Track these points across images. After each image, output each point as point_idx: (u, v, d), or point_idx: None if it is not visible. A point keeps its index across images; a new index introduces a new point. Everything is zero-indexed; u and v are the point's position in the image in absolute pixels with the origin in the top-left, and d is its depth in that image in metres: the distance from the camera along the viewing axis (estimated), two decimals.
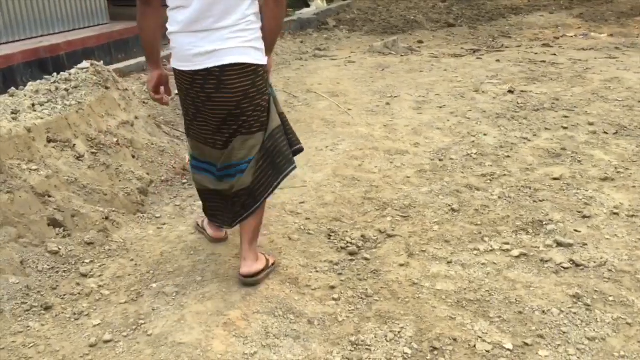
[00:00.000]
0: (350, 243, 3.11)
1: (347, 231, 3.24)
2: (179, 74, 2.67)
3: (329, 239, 3.18)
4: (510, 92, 5.62)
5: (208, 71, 2.55)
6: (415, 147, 4.35)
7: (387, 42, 7.82)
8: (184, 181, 3.91)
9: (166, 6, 2.62)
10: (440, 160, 4.12)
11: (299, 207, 3.52)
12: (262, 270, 2.82)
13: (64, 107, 3.56)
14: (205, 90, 2.60)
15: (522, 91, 5.66)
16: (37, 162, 3.20)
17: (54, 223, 3.05)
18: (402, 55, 7.49)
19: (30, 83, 3.81)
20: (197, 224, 3.28)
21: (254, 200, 2.82)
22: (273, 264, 2.98)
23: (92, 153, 3.56)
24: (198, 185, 3.02)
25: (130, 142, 3.86)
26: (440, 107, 5.25)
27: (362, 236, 3.17)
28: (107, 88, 3.98)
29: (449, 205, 3.45)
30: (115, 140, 3.74)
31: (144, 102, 4.84)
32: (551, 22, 9.78)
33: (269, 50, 2.71)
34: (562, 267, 2.79)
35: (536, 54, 7.39)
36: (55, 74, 3.94)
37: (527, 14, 10.61)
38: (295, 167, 2.93)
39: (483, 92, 5.68)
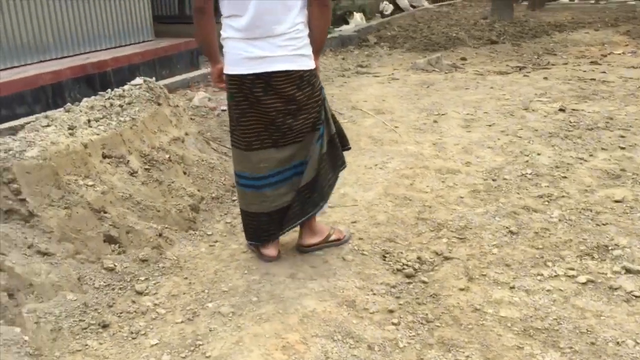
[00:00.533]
0: (406, 265, 3.03)
1: (402, 252, 3.16)
2: (228, 78, 2.83)
3: (384, 260, 3.11)
4: (562, 110, 5.49)
5: (257, 75, 2.73)
6: (467, 167, 4.26)
7: (431, 59, 7.75)
8: (234, 198, 3.89)
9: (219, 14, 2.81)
10: (493, 180, 4.02)
11: (352, 226, 3.46)
12: (318, 243, 3.16)
13: (118, 123, 3.57)
14: (254, 92, 2.77)
15: (574, 110, 5.52)
16: (93, 177, 3.21)
17: (109, 239, 3.04)
18: (446, 73, 7.41)
19: (85, 99, 3.83)
20: (248, 243, 3.25)
21: (321, 197, 3.01)
22: (337, 239, 3.23)
23: (145, 169, 3.57)
24: (245, 204, 3.03)
25: (181, 158, 3.85)
26: (490, 126, 5.15)
27: (418, 258, 3.09)
28: (159, 104, 3.99)
29: (507, 228, 3.35)
30: (167, 156, 3.74)
31: (191, 118, 4.85)
32: (597, 40, 9.59)
33: (316, 54, 2.89)
34: (633, 295, 2.67)
35: (584, 71, 7.24)
36: (109, 90, 3.96)
37: (572, 31, 10.44)
38: (345, 165, 3.21)
39: (533, 110, 5.56)
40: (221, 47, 2.89)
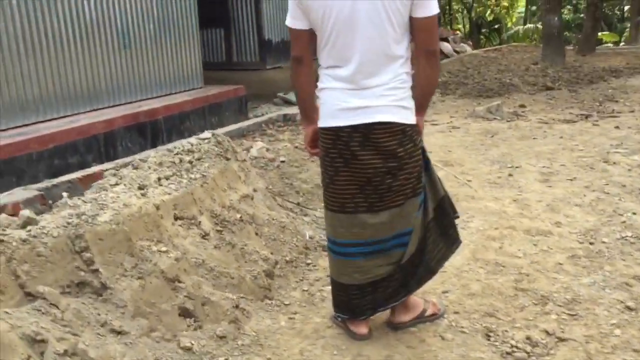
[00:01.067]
0: (516, 347, 2.68)
1: (506, 330, 2.81)
2: (323, 132, 2.60)
3: (488, 339, 2.76)
4: None
5: (354, 128, 2.48)
6: (558, 227, 3.90)
7: (490, 106, 7.46)
8: (309, 261, 3.60)
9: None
10: (591, 243, 3.66)
11: (443, 297, 3.12)
12: (412, 320, 2.86)
13: (189, 181, 3.34)
14: (350, 147, 2.51)
15: None
16: (166, 242, 2.96)
17: (184, 313, 2.76)
18: (507, 121, 7.11)
19: (152, 154, 3.63)
20: (334, 316, 2.94)
21: (428, 272, 2.76)
22: (433, 314, 2.91)
23: (217, 231, 3.31)
24: (335, 273, 2.74)
25: (252, 217, 3.59)
26: (571, 180, 4.80)
27: (528, 338, 2.74)
28: (227, 159, 3.76)
29: (622, 302, 2.98)
30: (238, 216, 3.48)
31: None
32: None
33: (420, 110, 2.60)
34: None
35: None
36: (178, 144, 3.74)
37: (629, 76, 10.09)
38: (460, 241, 2.87)
39: (614, 162, 5.20)
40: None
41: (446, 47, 14.94)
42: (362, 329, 2.78)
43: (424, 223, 2.67)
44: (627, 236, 3.71)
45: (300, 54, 2.63)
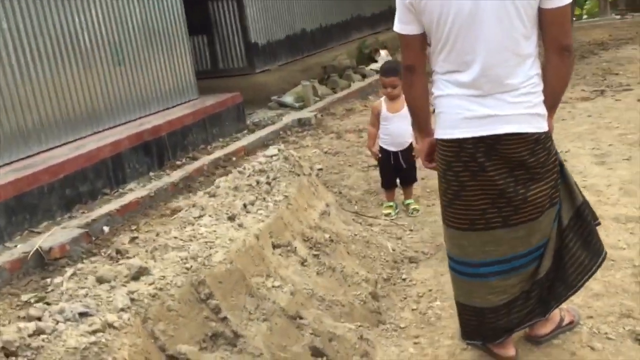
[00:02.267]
0: None
1: None
2: (442, 144, 2.34)
3: (639, 343, 2.57)
4: None
5: (479, 139, 2.22)
6: None
7: None
8: (404, 277, 3.36)
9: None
10: None
11: (569, 301, 2.91)
12: (551, 332, 2.65)
13: (275, 204, 3.06)
14: (477, 159, 2.24)
15: None
16: (274, 275, 2.68)
17: (316, 352, 2.49)
18: None
19: (221, 179, 3.33)
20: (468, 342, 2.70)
21: (567, 287, 2.47)
22: (570, 322, 2.70)
23: (314, 255, 3.04)
24: (464, 296, 2.49)
25: (337, 235, 3.33)
26: (628, 160, 4.68)
27: None
28: (297, 175, 3.48)
29: None
30: (327, 236, 3.22)
31: None
32: None
33: (550, 112, 2.32)
34: None
35: None
36: (246, 167, 3.43)
37: (617, 48, 10.12)
38: (606, 253, 2.56)
39: None
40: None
41: None
42: (510, 351, 2.55)
43: (560, 233, 2.44)
44: None
45: (412, 62, 2.38)
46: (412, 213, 4.26)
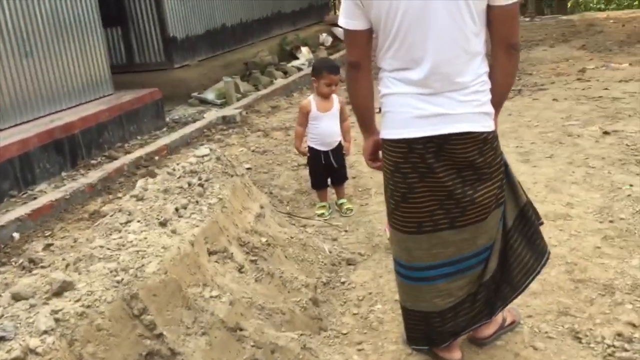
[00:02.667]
0: (613, 346, 2.54)
1: (591, 329, 2.68)
2: (389, 144, 2.26)
3: (580, 341, 2.60)
4: (606, 133, 5.25)
5: (429, 139, 2.15)
6: (572, 208, 3.85)
7: None
8: (342, 280, 3.26)
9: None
10: (611, 222, 3.63)
11: None
12: (494, 333, 2.62)
13: (209, 207, 2.87)
14: (426, 160, 2.18)
15: (614, 131, 5.30)
16: (210, 284, 2.50)
17: None
18: None
19: (149, 180, 3.10)
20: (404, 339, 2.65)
21: (512, 289, 2.45)
22: (512, 322, 2.69)
23: (251, 261, 2.88)
24: (410, 301, 2.43)
25: (274, 239, 3.18)
26: (550, 157, 4.81)
27: (618, 334, 2.61)
28: (230, 175, 3.30)
29: None
30: (264, 240, 3.07)
31: None
32: (559, 56, 9.63)
33: (497, 111, 2.29)
34: None
35: (583, 89, 7.13)
36: (175, 167, 3.21)
37: (528, 49, 10.49)
38: (549, 253, 2.53)
39: (577, 135, 5.28)
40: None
41: (340, 32, 14.85)
42: (456, 354, 2.50)
43: (504, 234, 2.41)
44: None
45: (357, 59, 2.28)
46: (345, 213, 4.18)
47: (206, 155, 3.28)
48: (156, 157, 5.47)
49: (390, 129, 2.26)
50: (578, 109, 6.18)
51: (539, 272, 2.48)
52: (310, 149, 4.14)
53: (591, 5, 16.84)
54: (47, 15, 6.63)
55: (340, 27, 2.28)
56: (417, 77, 2.16)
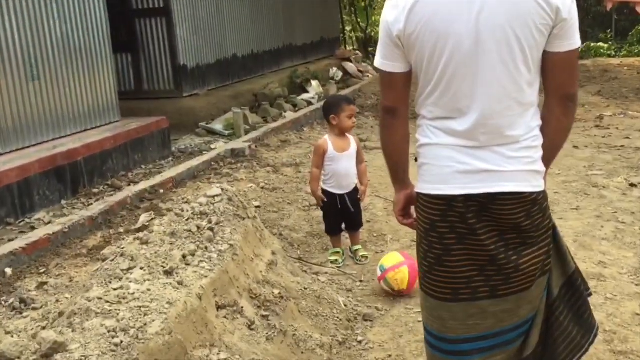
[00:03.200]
0: None
1: None
2: (426, 200, 2.00)
3: None
4: (633, 185, 5.02)
5: (472, 197, 1.90)
6: (605, 268, 3.59)
7: None
8: (359, 338, 2.98)
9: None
10: None
11: None
12: None
13: (218, 255, 2.63)
14: (467, 220, 1.92)
15: None
16: (218, 344, 2.24)
17: None
18: None
19: (157, 221, 2.86)
20: None
21: None
22: None
23: (263, 316, 2.62)
24: None
25: (286, 290, 2.93)
26: (576, 209, 4.57)
27: None
28: (242, 218, 3.06)
29: None
30: (276, 292, 2.81)
31: None
32: None
33: (547, 169, 2.02)
34: None
35: (603, 137, 6.93)
36: (184, 208, 2.97)
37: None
38: (597, 328, 2.22)
39: (603, 187, 5.05)
40: None
41: (351, 67, 14.77)
42: None
43: (549, 305, 2.14)
44: None
45: (394, 104, 2.04)
46: (360, 260, 3.93)
47: (217, 196, 3.04)
48: (161, 190, 5.23)
49: (428, 183, 2.01)
50: (600, 157, 5.97)
51: (587, 350, 2.20)
52: (325, 192, 3.90)
53: (602, 51, 16.71)
54: (57, 40, 6.47)
55: (378, 69, 2.06)
56: (462, 128, 1.92)
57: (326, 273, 3.72)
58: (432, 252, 2.03)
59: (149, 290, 2.22)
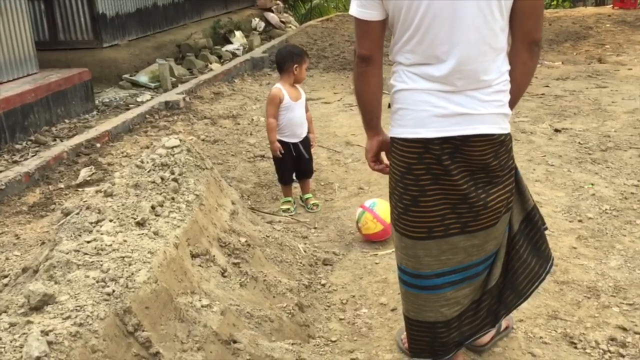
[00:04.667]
0: (609, 351, 2.52)
1: (583, 333, 2.65)
2: (402, 144, 2.08)
3: (575, 347, 2.57)
4: (557, 131, 5.34)
5: (445, 139, 2.02)
6: (541, 207, 3.76)
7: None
8: (322, 282, 3.08)
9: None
10: (580, 221, 3.65)
11: None
12: (492, 339, 2.56)
13: (187, 205, 2.62)
14: (442, 162, 2.04)
15: (564, 129, 5.40)
16: (198, 291, 2.26)
17: None
18: None
19: (117, 174, 2.79)
20: (400, 347, 2.52)
21: (517, 296, 2.34)
22: (507, 327, 2.63)
23: (234, 264, 2.66)
24: (414, 311, 2.28)
25: (251, 238, 2.96)
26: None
27: (612, 339, 2.59)
28: (202, 169, 3.04)
29: None
30: (243, 240, 2.84)
31: None
32: None
33: (512, 109, 2.17)
34: None
35: None
36: (144, 160, 2.90)
37: None
38: (553, 260, 2.46)
39: (531, 132, 5.34)
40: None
41: (272, 17, 14.56)
42: None
43: (509, 239, 2.32)
44: (606, 209, 3.77)
45: (369, 51, 2.08)
46: (311, 208, 4.00)
47: (177, 147, 3.00)
48: (98, 145, 5.05)
49: (405, 127, 2.08)
50: (525, 105, 6.26)
51: (544, 279, 2.40)
52: (279, 141, 3.91)
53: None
54: None
55: (355, 17, 2.09)
56: (440, 73, 2.00)
57: (279, 222, 3.78)
58: (408, 193, 2.12)
59: (125, 241, 2.20)
